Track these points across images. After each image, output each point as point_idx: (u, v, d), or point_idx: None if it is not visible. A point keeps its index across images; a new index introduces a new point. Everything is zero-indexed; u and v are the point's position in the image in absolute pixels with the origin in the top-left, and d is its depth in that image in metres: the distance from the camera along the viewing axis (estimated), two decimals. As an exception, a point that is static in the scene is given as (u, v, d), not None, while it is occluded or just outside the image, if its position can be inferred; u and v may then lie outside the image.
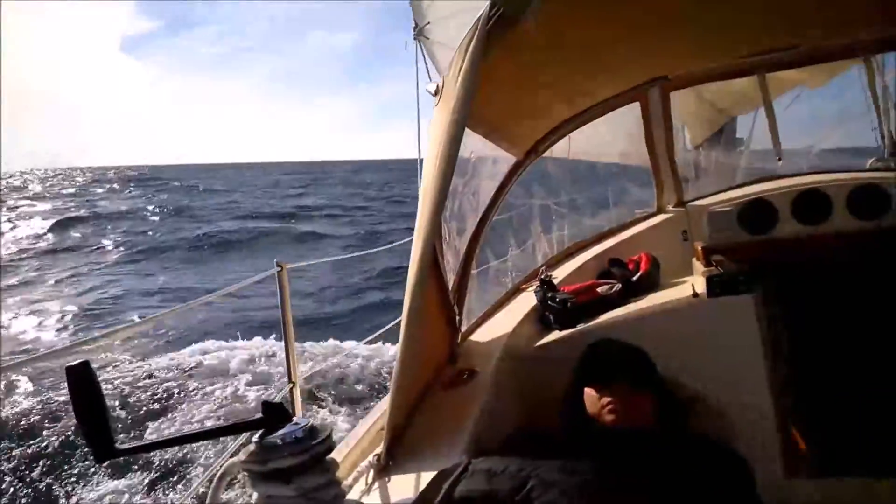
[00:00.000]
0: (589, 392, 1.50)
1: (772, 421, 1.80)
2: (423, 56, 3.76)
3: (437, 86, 1.53)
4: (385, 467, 1.31)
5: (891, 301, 2.20)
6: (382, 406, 2.14)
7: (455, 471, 0.95)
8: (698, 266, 2.29)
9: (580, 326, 2.13)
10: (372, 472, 1.29)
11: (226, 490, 0.97)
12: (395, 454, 1.37)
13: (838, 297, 2.24)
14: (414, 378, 1.61)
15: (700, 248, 2.23)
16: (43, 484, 6.26)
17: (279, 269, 1.84)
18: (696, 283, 2.09)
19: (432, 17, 3.64)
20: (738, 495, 1.07)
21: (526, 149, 2.50)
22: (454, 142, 1.37)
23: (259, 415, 0.95)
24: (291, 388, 1.83)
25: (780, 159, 2.78)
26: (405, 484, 1.22)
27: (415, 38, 3.77)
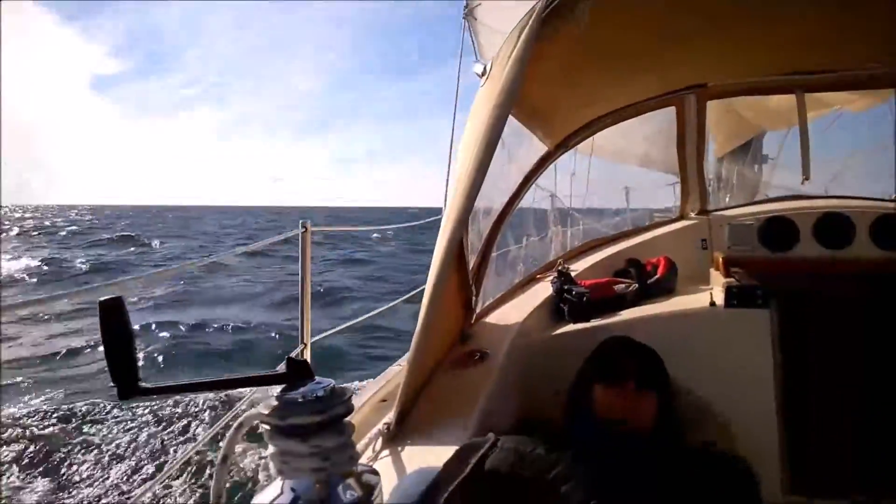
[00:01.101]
0: (598, 387, 1.50)
1: (775, 436, 1.80)
2: (473, 32, 3.74)
3: (485, 67, 1.52)
4: (394, 437, 1.32)
5: None
6: (385, 377, 2.16)
7: (483, 445, 0.95)
8: (716, 276, 2.28)
9: (593, 322, 2.13)
10: (381, 441, 1.30)
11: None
12: (404, 425, 1.38)
13: (852, 322, 2.23)
14: (429, 353, 1.62)
15: (721, 259, 2.22)
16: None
17: (303, 230, 1.84)
18: (713, 291, 2.08)
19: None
20: (736, 499, 1.07)
21: (557, 141, 2.49)
22: (497, 125, 1.36)
23: (283, 370, 0.95)
24: (302, 350, 1.85)
25: (806, 178, 2.75)
26: (414, 455, 1.22)
27: (464, 17, 3.74)
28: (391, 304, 2.74)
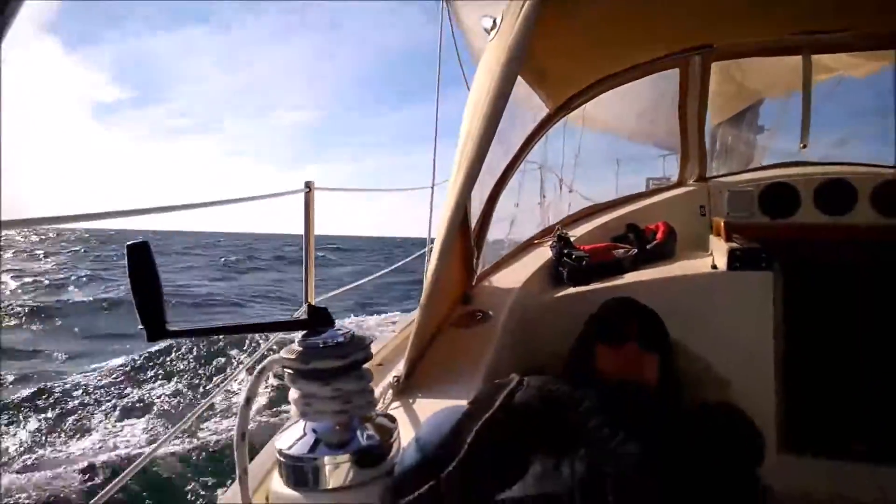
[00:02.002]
0: (601, 348, 1.53)
1: (772, 397, 1.84)
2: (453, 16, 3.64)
3: (494, 20, 1.50)
4: (404, 389, 1.35)
5: None
6: (380, 342, 2.18)
7: (509, 384, 0.98)
8: (715, 241, 2.31)
9: (593, 285, 2.15)
10: (391, 393, 1.33)
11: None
12: (412, 379, 1.40)
13: (852, 287, 2.27)
14: (436, 310, 1.64)
15: (722, 223, 2.24)
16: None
17: (307, 189, 1.84)
18: (715, 255, 2.11)
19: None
20: (746, 456, 1.11)
21: (560, 102, 2.48)
22: (508, 79, 1.35)
23: (305, 316, 0.97)
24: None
25: (804, 146, 2.76)
26: (425, 406, 1.25)
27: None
28: (393, 267, 2.75)
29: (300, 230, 1.86)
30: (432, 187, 3.62)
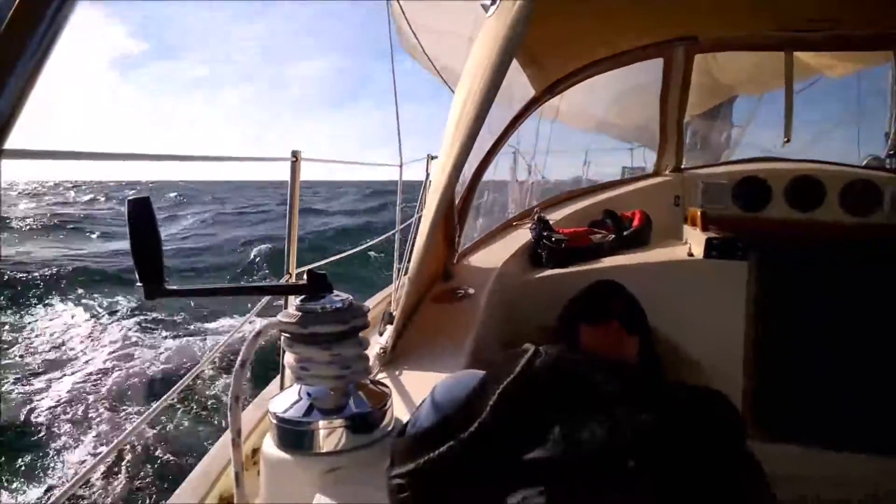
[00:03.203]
0: (585, 327, 1.56)
1: (740, 382, 1.91)
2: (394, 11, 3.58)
3: (495, -2, 1.50)
4: (390, 361, 1.35)
5: (869, 293, 2.33)
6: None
7: (527, 352, 0.99)
8: (689, 230, 2.37)
9: (571, 268, 2.19)
10: (377, 364, 1.34)
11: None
12: (397, 351, 1.41)
13: (823, 279, 2.36)
14: (420, 286, 1.65)
15: (699, 213, 2.30)
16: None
17: (294, 159, 1.82)
18: (692, 243, 2.16)
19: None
20: (730, 434, 1.15)
21: (545, 84, 2.49)
22: (506, 57, 1.35)
23: (304, 281, 0.97)
24: (288, 280, 1.85)
25: (787, 141, 2.84)
26: (414, 377, 1.27)
27: None
28: (374, 242, 2.74)
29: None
30: (400, 166, 3.62)
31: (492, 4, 1.50)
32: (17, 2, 0.38)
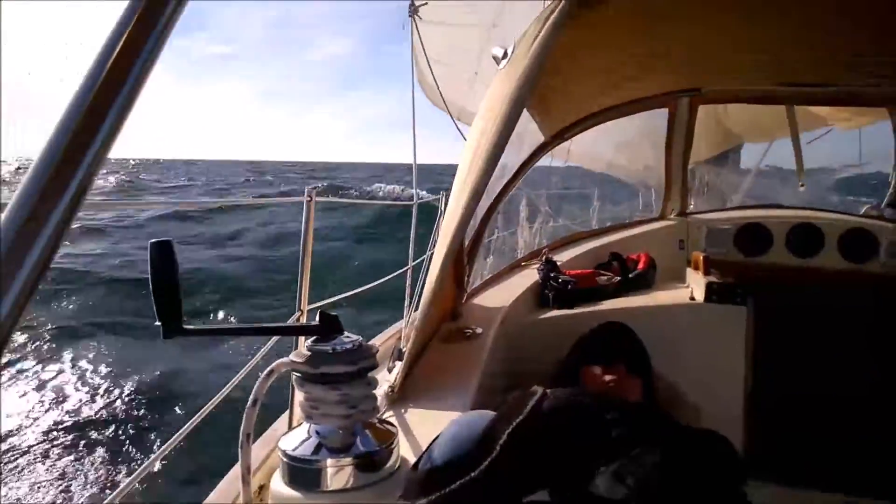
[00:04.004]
0: (589, 369, 1.59)
1: (740, 425, 1.92)
2: (414, 35, 3.71)
3: (506, 51, 1.57)
4: (397, 399, 1.38)
5: (864, 338, 2.35)
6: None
7: (535, 394, 1.02)
8: (693, 274, 2.40)
9: (577, 309, 2.22)
10: (385, 402, 1.36)
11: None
12: (405, 390, 1.44)
13: (819, 326, 2.38)
14: (430, 326, 1.69)
15: (701, 257, 2.33)
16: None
17: (308, 198, 1.87)
18: (694, 287, 2.19)
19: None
20: (730, 476, 1.16)
21: (554, 132, 2.56)
22: (516, 108, 1.42)
23: (315, 322, 1.01)
24: (299, 317, 1.88)
25: (802, 185, 2.90)
26: (420, 415, 1.29)
27: (410, 16, 3.70)
28: (386, 279, 2.78)
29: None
30: (415, 204, 3.69)
31: (503, 59, 1.58)
32: None
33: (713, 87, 2.73)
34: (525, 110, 2.22)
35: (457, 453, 0.90)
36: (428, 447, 0.96)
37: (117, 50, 0.39)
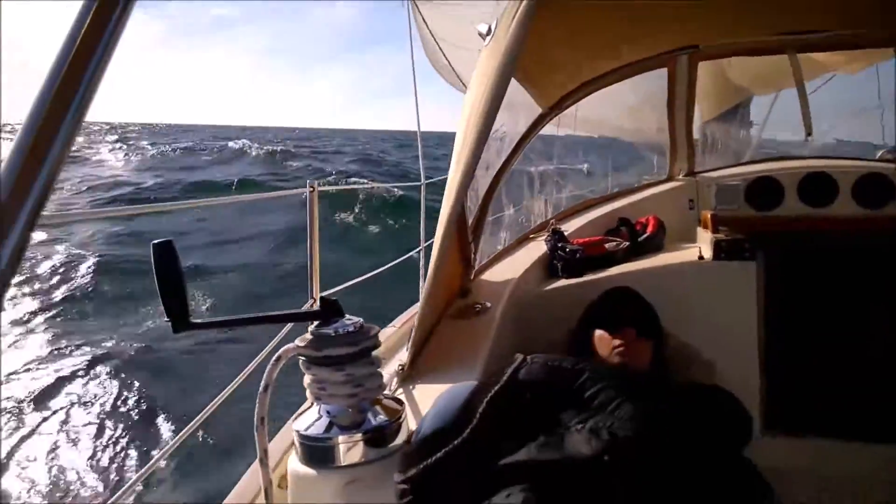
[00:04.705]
0: (599, 334, 1.61)
1: (756, 379, 1.93)
2: (416, 19, 3.69)
3: (490, 27, 1.58)
4: (408, 377, 1.42)
5: (881, 283, 2.33)
6: (382, 335, 2.26)
7: (514, 362, 1.06)
8: (703, 233, 2.40)
9: (587, 277, 2.23)
10: (395, 380, 1.41)
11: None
12: (415, 367, 1.48)
13: (834, 273, 2.36)
14: (436, 303, 1.72)
15: (709, 215, 2.33)
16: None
17: (311, 189, 1.92)
18: (702, 246, 2.19)
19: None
20: (738, 431, 1.19)
21: (552, 102, 2.55)
22: (501, 84, 1.43)
23: (317, 307, 1.05)
24: (312, 305, 1.94)
25: (809, 135, 2.85)
26: (429, 391, 1.33)
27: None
28: (395, 262, 2.83)
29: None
30: (422, 185, 3.72)
31: (487, 35, 1.58)
32: None
33: (712, 43, 2.69)
34: (518, 83, 2.22)
35: (441, 425, 0.95)
36: (420, 421, 1.01)
37: (76, 44, 0.43)
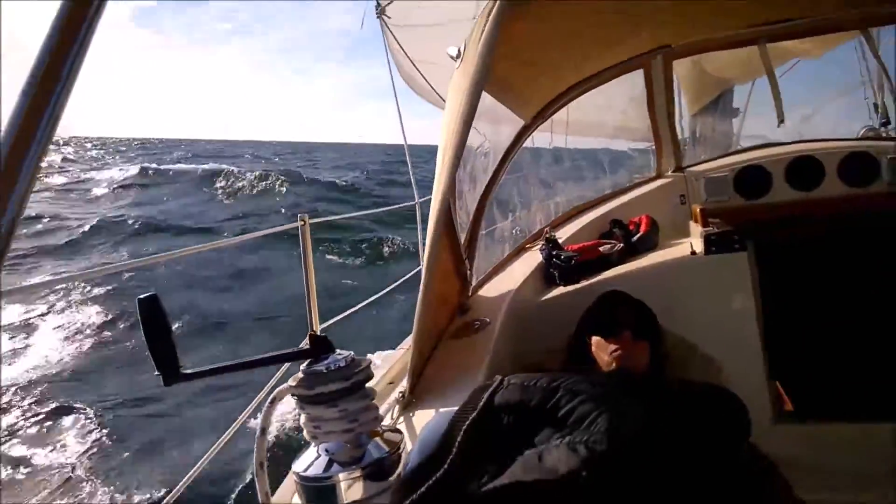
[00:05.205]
0: (596, 340, 1.61)
1: (761, 369, 1.92)
2: (389, 43, 3.74)
3: (459, 49, 1.60)
4: (409, 403, 1.42)
5: (875, 261, 2.32)
6: (389, 361, 2.26)
7: (492, 385, 1.06)
8: (695, 227, 2.39)
9: (583, 282, 2.23)
10: (397, 408, 1.41)
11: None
12: (416, 393, 1.48)
13: (827, 255, 2.36)
14: (431, 326, 1.72)
15: (699, 210, 2.33)
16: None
17: (302, 223, 1.93)
18: (693, 241, 2.19)
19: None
20: (734, 430, 1.18)
21: (534, 112, 2.57)
22: (472, 102, 1.45)
23: (306, 346, 1.05)
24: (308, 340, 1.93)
25: (781, 121, 2.86)
26: (428, 417, 1.33)
27: (377, 16, 3.73)
28: (389, 288, 2.84)
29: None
30: (417, 204, 3.73)
31: (458, 58, 1.60)
32: None
33: (688, 40, 2.71)
34: (497, 100, 2.24)
35: (423, 458, 0.95)
36: (409, 454, 1.01)
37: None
